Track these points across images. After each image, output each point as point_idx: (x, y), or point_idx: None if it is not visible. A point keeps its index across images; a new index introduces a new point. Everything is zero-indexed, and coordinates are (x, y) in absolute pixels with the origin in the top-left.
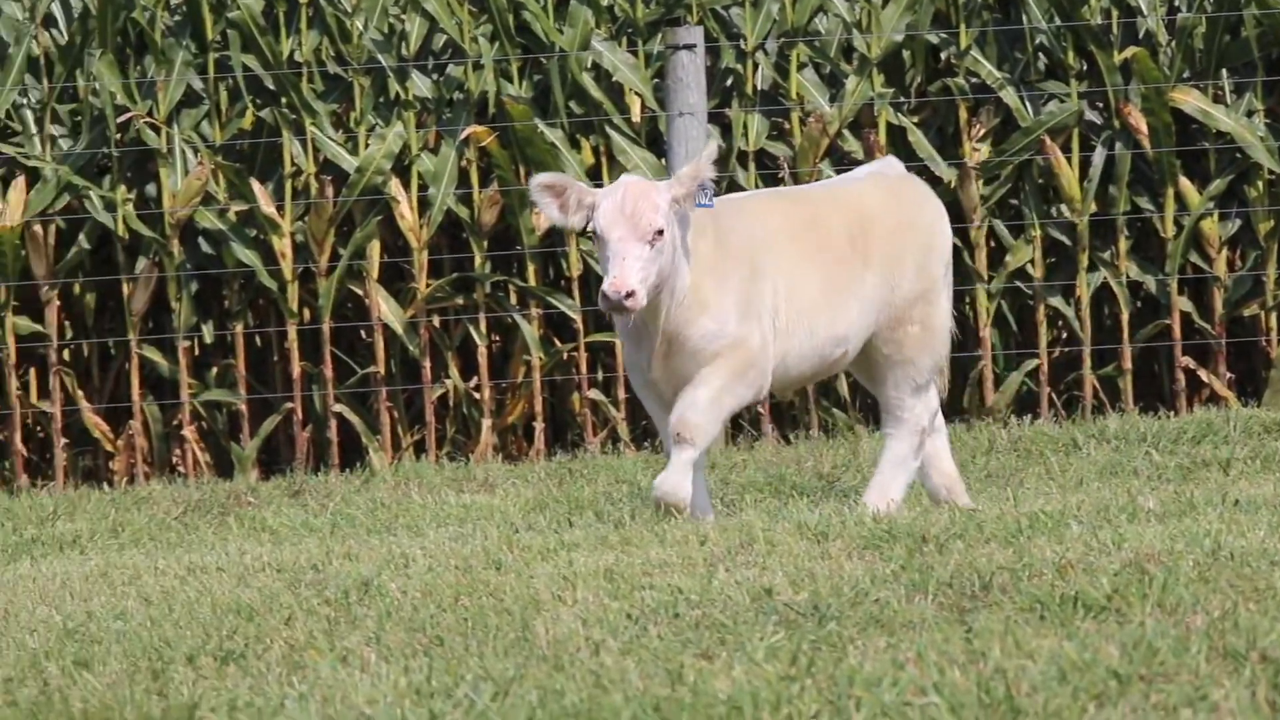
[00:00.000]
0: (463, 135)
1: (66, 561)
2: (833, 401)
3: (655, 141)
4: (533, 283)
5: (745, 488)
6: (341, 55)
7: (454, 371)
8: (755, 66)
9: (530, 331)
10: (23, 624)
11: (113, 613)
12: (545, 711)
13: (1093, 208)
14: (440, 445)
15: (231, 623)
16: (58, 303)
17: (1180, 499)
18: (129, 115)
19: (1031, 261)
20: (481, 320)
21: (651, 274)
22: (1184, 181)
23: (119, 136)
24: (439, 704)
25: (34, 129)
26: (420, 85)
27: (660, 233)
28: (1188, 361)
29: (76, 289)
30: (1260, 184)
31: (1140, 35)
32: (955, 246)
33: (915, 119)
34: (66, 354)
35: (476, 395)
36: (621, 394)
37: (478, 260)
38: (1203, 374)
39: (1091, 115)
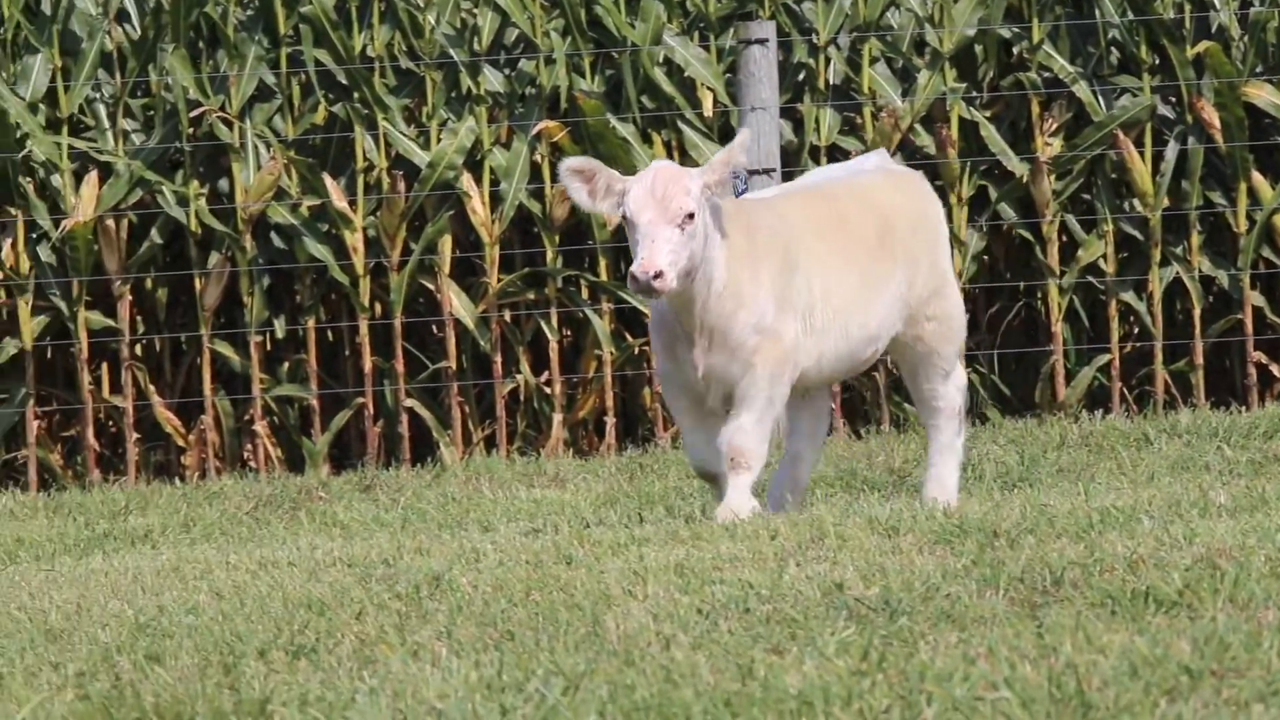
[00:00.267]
0: (535, 130)
1: (138, 556)
2: (904, 396)
3: (727, 136)
4: (604, 277)
5: (816, 482)
6: (414, 50)
7: (525, 366)
8: (827, 61)
9: (601, 326)
10: (95, 618)
11: (184, 607)
12: (616, 706)
13: (1165, 202)
14: (511, 440)
15: (303, 617)
16: (130, 298)
17: (1252, 494)
18: (201, 110)
19: (1104, 256)
20: (553, 315)
21: (682, 258)
22: (1256, 176)
23: (191, 131)
24: (510, 698)
25: (107, 124)
26: (492, 80)
27: (691, 216)
28: (1259, 356)
29: (149, 284)
30: None
31: (1213, 30)
32: (1027, 241)
33: (987, 114)
34: (139, 349)
35: (547, 390)
36: None
37: (549, 255)
38: (1275, 369)
39: (1164, 110)
